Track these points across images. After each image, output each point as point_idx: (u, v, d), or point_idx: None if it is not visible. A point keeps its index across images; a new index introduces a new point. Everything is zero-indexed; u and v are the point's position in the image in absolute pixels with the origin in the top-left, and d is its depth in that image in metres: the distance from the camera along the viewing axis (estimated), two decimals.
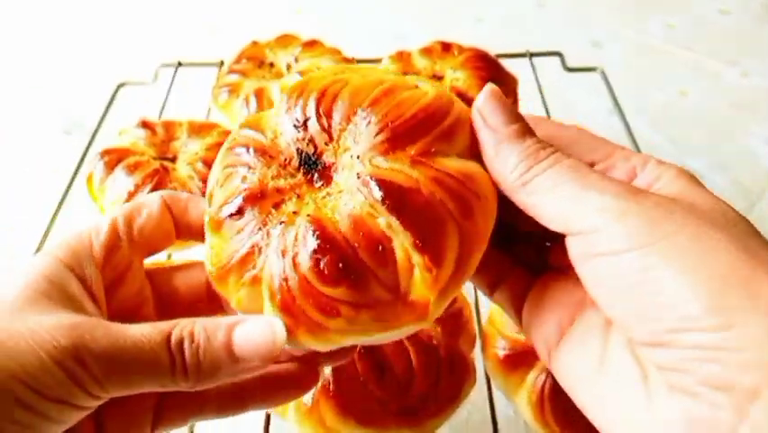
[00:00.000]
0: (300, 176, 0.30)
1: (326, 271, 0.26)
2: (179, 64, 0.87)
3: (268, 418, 0.52)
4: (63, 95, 1.16)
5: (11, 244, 0.85)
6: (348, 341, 0.28)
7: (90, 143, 0.76)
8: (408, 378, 0.48)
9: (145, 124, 0.71)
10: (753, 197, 0.93)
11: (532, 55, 0.88)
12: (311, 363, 0.33)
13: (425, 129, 0.28)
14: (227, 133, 0.72)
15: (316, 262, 0.26)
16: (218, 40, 1.30)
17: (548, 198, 0.27)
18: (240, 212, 0.29)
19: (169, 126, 0.72)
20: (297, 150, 0.30)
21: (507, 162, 0.28)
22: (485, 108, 0.29)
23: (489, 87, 0.30)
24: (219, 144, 0.70)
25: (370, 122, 0.29)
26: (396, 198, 0.27)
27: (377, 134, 0.28)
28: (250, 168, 0.30)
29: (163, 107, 0.83)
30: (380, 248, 0.27)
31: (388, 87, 0.30)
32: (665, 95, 1.15)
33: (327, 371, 0.48)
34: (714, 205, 0.25)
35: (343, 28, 1.34)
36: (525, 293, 0.33)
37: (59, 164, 0.78)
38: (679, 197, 0.26)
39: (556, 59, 0.88)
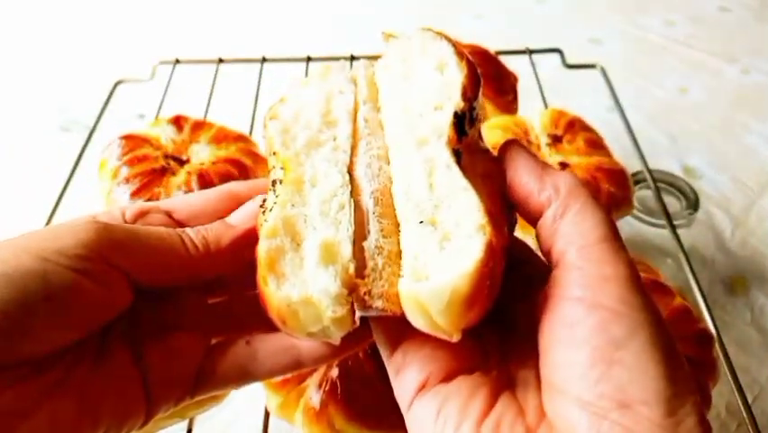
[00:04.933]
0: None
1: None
2: (177, 61, 0.87)
3: (266, 417, 0.52)
4: (61, 92, 1.16)
5: None
6: None
7: (88, 141, 0.76)
8: None
9: (177, 120, 0.69)
10: (752, 194, 0.93)
11: (531, 52, 0.87)
12: None
13: None
14: (250, 150, 0.68)
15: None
16: (216, 37, 1.29)
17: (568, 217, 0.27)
18: None
19: (198, 127, 0.69)
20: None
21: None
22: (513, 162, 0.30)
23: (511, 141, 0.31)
24: (230, 161, 0.64)
25: None
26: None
27: None
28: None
29: (161, 105, 0.83)
30: None
31: None
32: (665, 92, 1.15)
33: (334, 374, 0.48)
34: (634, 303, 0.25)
35: (342, 25, 1.34)
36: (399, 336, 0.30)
37: (56, 161, 0.77)
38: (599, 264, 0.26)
39: (556, 56, 0.87)
